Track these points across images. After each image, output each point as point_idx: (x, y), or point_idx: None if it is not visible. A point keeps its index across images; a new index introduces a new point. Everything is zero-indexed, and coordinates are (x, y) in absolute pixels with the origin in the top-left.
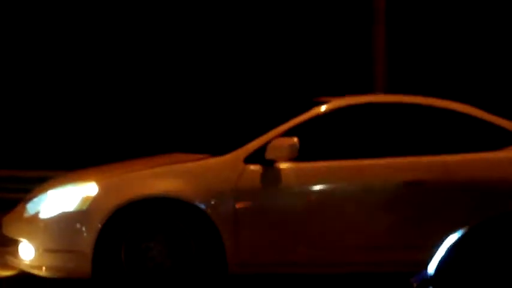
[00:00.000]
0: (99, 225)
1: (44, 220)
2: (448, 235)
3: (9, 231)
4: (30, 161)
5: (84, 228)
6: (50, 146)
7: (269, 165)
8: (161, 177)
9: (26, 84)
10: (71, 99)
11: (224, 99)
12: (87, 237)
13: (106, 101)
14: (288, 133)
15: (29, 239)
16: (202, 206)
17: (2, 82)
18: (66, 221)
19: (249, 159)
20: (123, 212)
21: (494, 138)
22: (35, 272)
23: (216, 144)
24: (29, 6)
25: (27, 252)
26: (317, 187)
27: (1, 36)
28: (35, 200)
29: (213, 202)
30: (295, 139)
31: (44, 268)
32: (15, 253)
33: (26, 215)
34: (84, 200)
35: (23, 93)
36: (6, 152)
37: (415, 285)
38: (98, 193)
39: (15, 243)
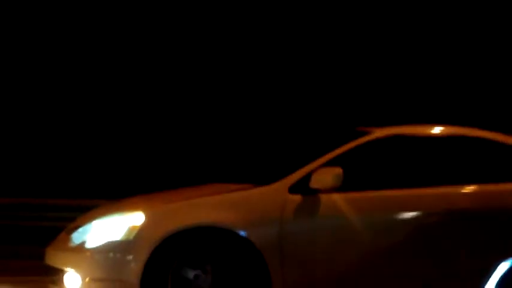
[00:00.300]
0: (146, 255)
1: (90, 250)
2: (495, 266)
3: (54, 261)
4: (63, 190)
5: (131, 258)
6: (79, 175)
7: (313, 195)
8: (207, 207)
9: (64, 113)
10: (108, 129)
11: (265, 128)
12: (134, 267)
13: (145, 129)
14: (332, 162)
15: (76, 268)
16: (249, 236)
17: (42, 112)
18: (113, 251)
19: (294, 189)
20: (170, 241)
21: None
22: None
23: (259, 174)
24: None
25: (72, 282)
26: (362, 217)
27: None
28: (80, 230)
29: (258, 232)
30: (340, 169)
31: None
32: (60, 283)
33: (71, 244)
34: (131, 229)
35: (62, 122)
36: (42, 180)
37: None
38: (144, 223)
39: (59, 273)
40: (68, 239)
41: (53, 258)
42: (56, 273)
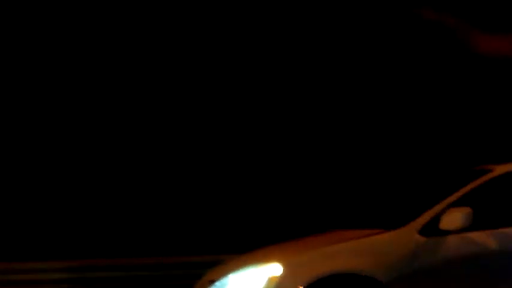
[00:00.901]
0: None
1: None
2: None
3: None
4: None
5: None
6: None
7: (444, 236)
8: (343, 254)
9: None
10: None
11: (379, 175)
12: None
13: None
14: (458, 203)
15: None
16: (385, 281)
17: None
18: None
19: (423, 231)
20: None
21: None
22: None
23: (385, 219)
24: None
25: None
26: (496, 255)
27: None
28: (217, 284)
29: (394, 277)
30: (470, 209)
31: None
32: None
33: None
34: (270, 280)
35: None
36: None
37: None
38: (283, 273)
39: None
40: None
41: None
42: None
